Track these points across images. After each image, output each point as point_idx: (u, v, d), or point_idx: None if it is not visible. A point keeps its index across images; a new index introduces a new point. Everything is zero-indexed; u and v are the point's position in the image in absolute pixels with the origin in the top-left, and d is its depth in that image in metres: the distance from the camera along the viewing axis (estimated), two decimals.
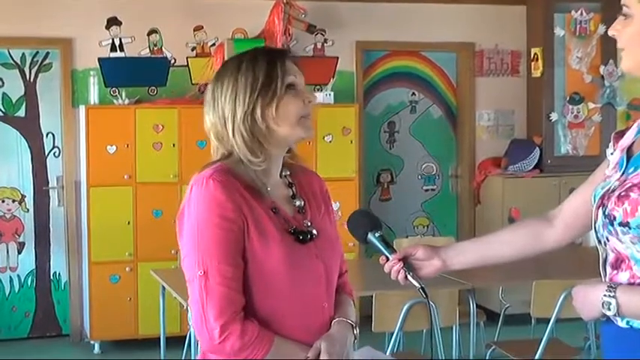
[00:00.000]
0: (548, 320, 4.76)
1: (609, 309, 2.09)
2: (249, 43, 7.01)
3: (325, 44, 7.66)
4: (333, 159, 7.15)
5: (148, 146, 6.76)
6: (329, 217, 2.48)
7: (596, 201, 2.19)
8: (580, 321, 2.60)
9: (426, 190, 8.16)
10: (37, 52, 7.17)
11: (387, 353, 4.64)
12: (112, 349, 6.90)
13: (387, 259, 2.40)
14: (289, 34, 7.22)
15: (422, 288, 2.37)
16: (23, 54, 7.15)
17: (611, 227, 2.12)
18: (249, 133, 2.25)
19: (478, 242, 2.57)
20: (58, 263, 7.24)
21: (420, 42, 7.88)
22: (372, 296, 4.60)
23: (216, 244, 2.18)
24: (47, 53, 7.18)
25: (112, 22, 7.19)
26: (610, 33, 2.22)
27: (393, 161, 8.05)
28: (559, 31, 7.84)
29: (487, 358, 5.30)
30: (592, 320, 2.20)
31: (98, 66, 7.14)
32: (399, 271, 2.38)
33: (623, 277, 2.14)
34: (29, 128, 7.18)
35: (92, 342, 6.86)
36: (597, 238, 2.20)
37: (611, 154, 2.27)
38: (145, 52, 7.29)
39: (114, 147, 6.75)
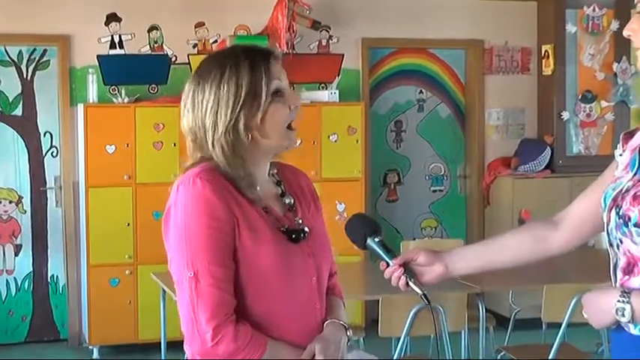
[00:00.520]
0: (560, 325, 4.76)
1: (623, 315, 2.08)
2: (252, 40, 7.02)
3: (330, 41, 7.67)
4: (339, 159, 7.15)
5: (148, 146, 6.77)
6: (318, 215, 2.48)
7: (608, 203, 2.19)
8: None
9: (434, 191, 8.16)
10: (35, 49, 7.18)
11: (395, 358, 4.65)
12: (111, 354, 6.91)
13: (388, 264, 2.39)
14: (293, 31, 7.23)
15: (424, 294, 2.36)
16: (20, 51, 7.17)
17: (625, 228, 2.11)
18: (231, 148, 2.23)
19: (481, 247, 2.57)
20: (55, 266, 7.25)
21: (427, 39, 7.88)
22: (378, 300, 4.60)
23: (205, 244, 2.17)
24: (45, 50, 7.19)
25: (112, 18, 7.20)
26: (625, 34, 2.21)
27: (400, 161, 8.05)
28: (571, 28, 7.83)
29: None
30: (603, 328, 2.19)
31: (97, 63, 7.15)
32: (399, 278, 2.38)
33: (635, 282, 2.13)
34: (26, 127, 7.20)
35: (91, 347, 6.87)
36: (609, 241, 2.19)
37: (620, 155, 2.27)
38: (146, 49, 7.30)
39: (113, 146, 6.76)
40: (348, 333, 2.41)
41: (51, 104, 7.20)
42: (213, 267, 2.16)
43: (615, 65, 7.88)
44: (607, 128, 7.96)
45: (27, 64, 7.19)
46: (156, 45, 7.31)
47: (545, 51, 7.92)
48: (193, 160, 2.30)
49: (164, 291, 5.31)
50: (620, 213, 2.12)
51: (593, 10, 7.86)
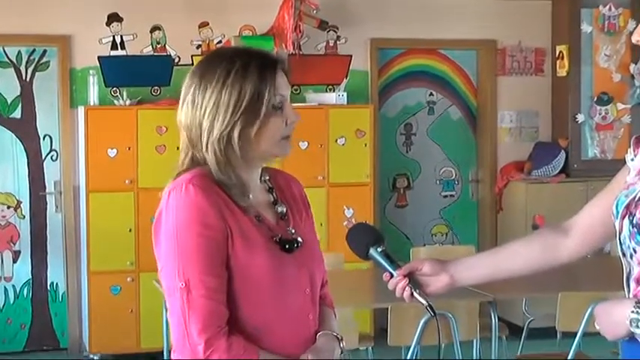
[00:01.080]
0: (575, 334, 4.76)
1: (637, 327, 2.07)
2: (258, 41, 7.05)
3: (338, 42, 7.68)
4: (347, 163, 7.17)
5: (150, 149, 6.78)
6: (309, 222, 2.47)
7: (620, 211, 2.18)
8: None
9: (445, 196, 8.16)
10: (34, 50, 7.21)
11: None
12: None
13: (392, 275, 2.39)
14: (300, 31, 7.25)
15: (429, 306, 2.36)
16: (19, 52, 7.19)
17: (639, 237, 2.12)
18: (222, 154, 2.23)
19: (488, 255, 2.56)
20: (55, 273, 7.27)
21: (438, 39, 7.89)
22: (387, 309, 4.61)
23: (197, 253, 2.16)
24: (44, 51, 7.21)
25: (113, 18, 7.22)
26: (634, 39, 2.21)
27: (409, 165, 8.06)
28: (586, 28, 7.84)
29: None
30: (617, 340, 2.18)
31: (98, 65, 7.18)
32: (404, 288, 2.38)
33: None
34: (25, 130, 7.22)
35: (91, 356, 6.89)
36: (622, 250, 2.18)
37: (632, 160, 2.27)
38: (148, 50, 7.32)
39: (114, 150, 6.78)
40: (342, 344, 2.41)
41: (51, 106, 7.22)
42: (205, 277, 2.15)
43: (632, 66, 7.88)
44: (623, 131, 7.96)
45: (26, 65, 7.21)
46: (158, 45, 7.33)
47: (560, 51, 7.92)
48: (186, 166, 2.30)
49: None
50: (634, 221, 2.11)
51: (609, 9, 7.86)
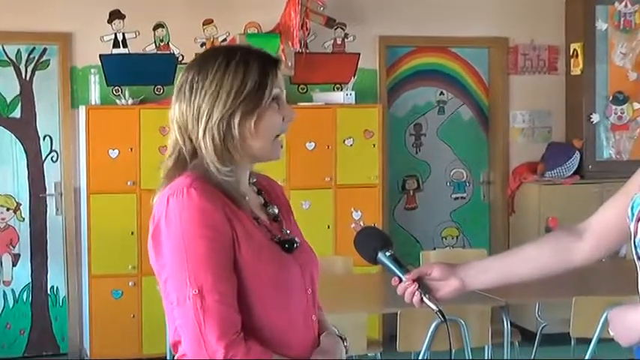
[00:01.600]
0: (590, 340, 4.76)
1: None
2: (263, 39, 7.06)
3: (346, 39, 7.69)
4: (355, 164, 7.17)
5: (153, 150, 6.78)
6: (296, 225, 2.49)
7: (636, 213, 2.18)
8: None
9: (456, 198, 8.17)
10: (34, 48, 7.22)
11: None
12: None
13: (400, 280, 2.40)
14: (307, 29, 7.25)
15: (440, 311, 2.36)
16: (19, 50, 7.21)
17: None
18: (221, 140, 2.23)
19: (500, 259, 2.56)
20: (55, 277, 7.28)
21: (448, 37, 7.90)
22: (396, 314, 4.62)
23: (208, 258, 2.15)
24: (44, 49, 7.23)
25: (115, 15, 7.24)
26: None
27: (419, 166, 8.06)
28: (601, 25, 7.83)
29: None
30: (631, 345, 2.19)
31: (99, 63, 7.19)
32: (413, 293, 2.39)
33: None
34: (25, 130, 7.23)
35: None
36: (637, 253, 2.19)
37: None
38: (151, 48, 7.34)
39: (116, 151, 6.80)
40: (346, 343, 2.43)
41: (51, 106, 7.23)
42: (218, 282, 2.15)
43: None
44: None
45: (26, 64, 7.23)
46: (161, 43, 7.35)
47: (574, 49, 7.92)
48: (172, 162, 2.30)
49: None
50: None
51: (625, 5, 7.86)
